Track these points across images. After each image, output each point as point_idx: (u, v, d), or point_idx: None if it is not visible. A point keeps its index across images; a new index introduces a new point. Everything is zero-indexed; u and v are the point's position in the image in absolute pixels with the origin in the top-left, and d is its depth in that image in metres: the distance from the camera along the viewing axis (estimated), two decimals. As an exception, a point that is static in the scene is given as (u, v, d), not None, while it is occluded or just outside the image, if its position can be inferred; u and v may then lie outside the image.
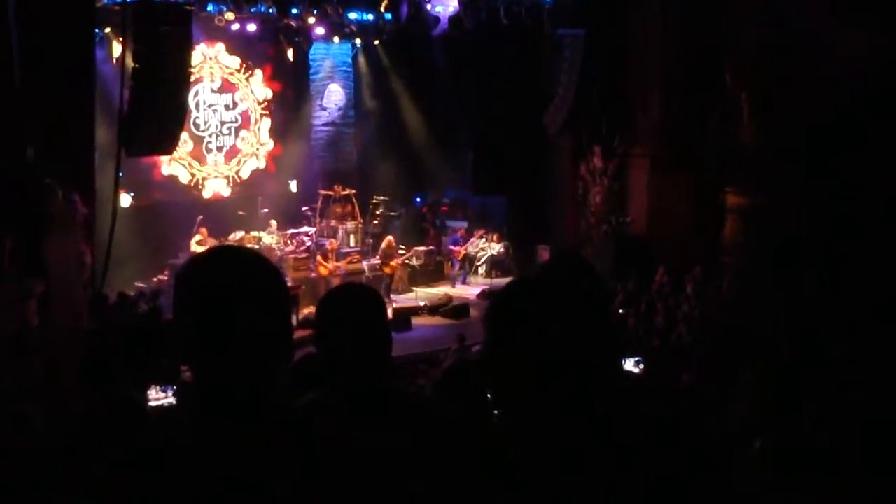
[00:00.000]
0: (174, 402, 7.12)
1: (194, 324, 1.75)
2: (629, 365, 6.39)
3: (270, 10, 18.89)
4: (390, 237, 19.75)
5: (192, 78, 16.54)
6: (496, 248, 20.69)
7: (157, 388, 7.23)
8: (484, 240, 20.80)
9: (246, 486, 1.72)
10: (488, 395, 3.17)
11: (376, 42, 22.14)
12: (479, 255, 20.73)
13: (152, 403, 6.65)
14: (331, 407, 2.47)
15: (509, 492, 1.88)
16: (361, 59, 22.81)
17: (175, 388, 7.42)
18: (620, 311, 14.35)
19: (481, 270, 20.67)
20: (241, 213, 19.72)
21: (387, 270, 18.97)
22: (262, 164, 21.68)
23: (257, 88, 21.43)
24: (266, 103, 21.67)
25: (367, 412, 2.39)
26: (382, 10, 19.80)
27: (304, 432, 1.87)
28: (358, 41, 22.25)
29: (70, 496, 2.40)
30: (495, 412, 2.82)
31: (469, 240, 20.80)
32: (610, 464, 1.88)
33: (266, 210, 19.99)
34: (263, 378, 1.80)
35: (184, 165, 20.05)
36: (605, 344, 2.02)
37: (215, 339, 1.73)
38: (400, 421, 2.44)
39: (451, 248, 20.73)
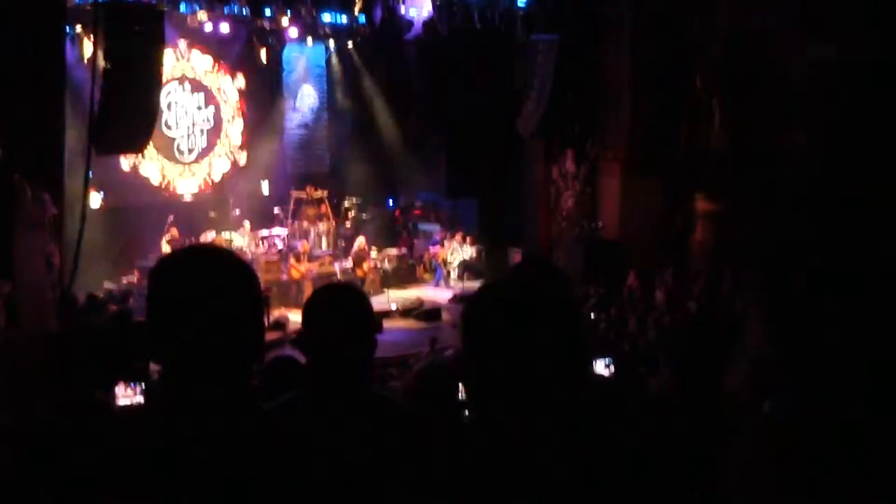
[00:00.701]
0: (142, 401, 7.07)
1: (166, 321, 1.75)
2: (599, 366, 6.42)
3: (244, 11, 18.80)
4: (362, 239, 19.74)
5: (164, 78, 16.44)
6: (468, 251, 20.71)
7: (126, 386, 7.17)
8: (457, 243, 20.81)
9: (216, 486, 1.71)
10: (459, 398, 3.18)
11: (350, 44, 22.12)
12: (451, 258, 20.74)
13: (120, 402, 6.59)
14: (308, 407, 2.47)
15: (480, 493, 1.89)
16: (335, 62, 22.78)
17: (143, 386, 7.37)
18: (591, 315, 14.40)
19: (453, 274, 20.68)
20: (212, 213, 19.65)
21: (359, 273, 18.96)
22: (233, 166, 21.58)
23: (230, 89, 21.34)
24: (238, 104, 21.58)
25: (344, 413, 2.40)
26: (356, 12, 19.75)
27: (276, 432, 1.87)
28: (332, 43, 22.22)
29: (35, 497, 2.38)
30: (466, 414, 2.83)
31: (448, 242, 20.74)
32: (580, 466, 1.89)
33: (238, 211, 19.93)
34: (235, 377, 1.79)
35: (155, 166, 19.92)
36: (575, 347, 2.03)
37: (187, 337, 1.73)
38: (373, 422, 2.44)
39: (431, 249, 20.69)
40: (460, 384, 3.16)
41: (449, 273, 20.58)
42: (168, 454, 1.73)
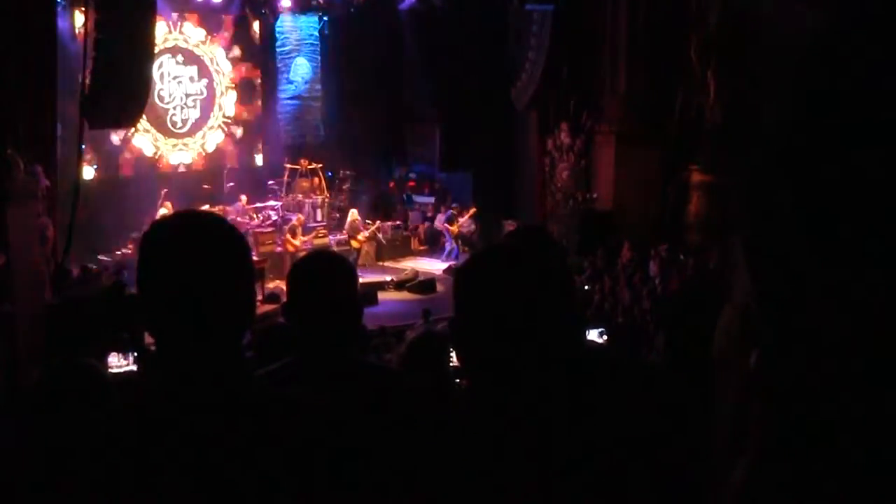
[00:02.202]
0: (135, 369, 7.08)
1: (157, 288, 1.74)
2: (593, 335, 6.44)
3: (236, -18, 18.70)
4: (355, 212, 19.71)
5: (157, 49, 16.33)
6: (466, 224, 20.66)
7: (118, 355, 7.18)
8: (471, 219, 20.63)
9: (209, 453, 1.71)
10: (451, 365, 3.19)
11: (343, 15, 21.99)
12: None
13: (113, 371, 6.60)
14: (299, 375, 2.47)
15: (472, 459, 1.89)
16: (328, 33, 22.65)
17: (136, 355, 7.37)
18: (586, 287, 14.42)
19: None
20: (206, 186, 19.59)
21: (353, 245, 18.95)
22: (227, 138, 21.51)
23: (222, 61, 21.23)
24: (231, 76, 21.48)
25: (333, 380, 2.40)
26: (350, -18, 19.66)
27: (268, 399, 1.87)
28: (325, 14, 22.08)
29: (29, 465, 2.38)
30: (458, 381, 2.84)
31: (461, 217, 20.58)
32: (573, 432, 1.89)
33: (231, 183, 19.87)
34: (226, 344, 1.79)
35: (148, 138, 19.84)
36: (568, 312, 2.03)
37: (178, 304, 1.72)
38: (366, 389, 2.45)
39: (445, 226, 20.58)
40: (453, 352, 3.18)
41: (443, 245, 20.43)
42: (160, 420, 1.73)
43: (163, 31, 18.80)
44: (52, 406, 2.47)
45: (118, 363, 6.91)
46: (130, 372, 6.87)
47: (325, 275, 2.61)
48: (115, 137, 19.00)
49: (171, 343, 1.78)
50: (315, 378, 2.42)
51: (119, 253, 17.68)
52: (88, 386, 2.57)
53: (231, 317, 1.78)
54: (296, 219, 19.13)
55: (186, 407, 1.74)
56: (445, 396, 2.68)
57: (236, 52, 21.46)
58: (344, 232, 19.47)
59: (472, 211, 20.47)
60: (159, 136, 20.08)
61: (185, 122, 20.63)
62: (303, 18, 21.91)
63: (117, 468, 1.69)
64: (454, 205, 20.92)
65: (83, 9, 14.93)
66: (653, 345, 9.23)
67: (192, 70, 20.68)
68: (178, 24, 20.16)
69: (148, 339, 12.48)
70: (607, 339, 6.67)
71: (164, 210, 17.67)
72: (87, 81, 13.38)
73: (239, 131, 21.69)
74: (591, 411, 1.96)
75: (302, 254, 17.90)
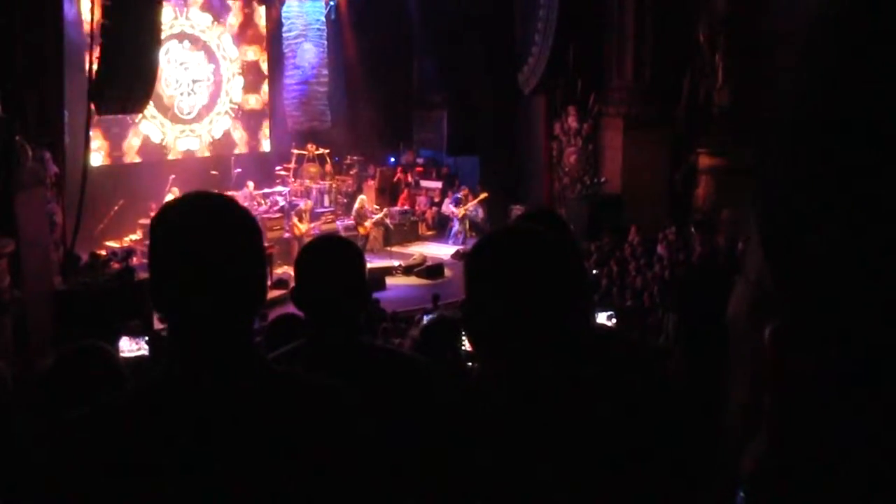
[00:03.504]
0: (147, 353, 7.10)
1: (168, 271, 1.74)
2: (601, 318, 6.44)
3: (242, -33, 18.65)
4: (363, 197, 19.70)
5: (163, 35, 16.32)
6: (478, 208, 20.64)
7: (130, 339, 7.19)
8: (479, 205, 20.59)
9: (222, 437, 1.72)
10: (464, 349, 3.20)
11: (351, 0, 21.93)
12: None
13: (125, 355, 6.62)
14: (307, 358, 2.48)
15: (486, 442, 1.90)
16: (335, 18, 22.59)
17: (147, 339, 7.39)
18: (594, 271, 14.41)
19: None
20: (213, 172, 19.60)
21: (361, 231, 18.95)
22: (234, 123, 21.52)
23: (229, 46, 21.21)
24: (238, 61, 21.46)
25: (343, 364, 2.41)
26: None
27: (280, 383, 1.87)
28: (331, -2, 22.04)
29: (42, 449, 2.39)
30: (471, 365, 2.84)
31: (469, 201, 20.54)
32: (585, 412, 1.90)
33: (239, 169, 19.88)
34: (238, 327, 1.79)
35: (155, 124, 19.86)
36: (577, 292, 2.03)
37: (190, 286, 1.72)
38: (377, 373, 2.45)
39: (452, 209, 20.57)
40: (465, 335, 3.18)
41: (465, 230, 20.34)
42: (172, 404, 1.74)
43: (169, 17, 18.77)
44: (66, 390, 2.49)
45: (130, 347, 6.92)
46: (142, 356, 6.89)
47: (333, 258, 2.61)
48: (124, 123, 19.01)
49: (183, 326, 1.78)
50: (324, 362, 2.42)
51: (127, 239, 17.73)
52: (101, 370, 2.58)
53: (242, 299, 1.78)
54: (303, 204, 19.13)
55: (198, 391, 1.75)
56: (458, 380, 2.69)
57: (243, 37, 21.43)
58: (351, 218, 19.47)
59: (483, 196, 20.43)
60: (166, 122, 20.09)
61: (192, 108, 20.64)
62: (309, 3, 21.84)
63: (130, 453, 1.70)
64: (462, 187, 20.86)
65: (90, -5, 14.94)
66: (661, 327, 9.23)
67: (199, 56, 20.67)
68: (185, 9, 20.13)
69: (158, 324, 12.54)
70: (616, 323, 6.68)
71: (172, 196, 17.70)
72: (95, 68, 13.38)
73: (246, 117, 21.69)
74: (601, 393, 1.96)
75: (309, 239, 17.96)
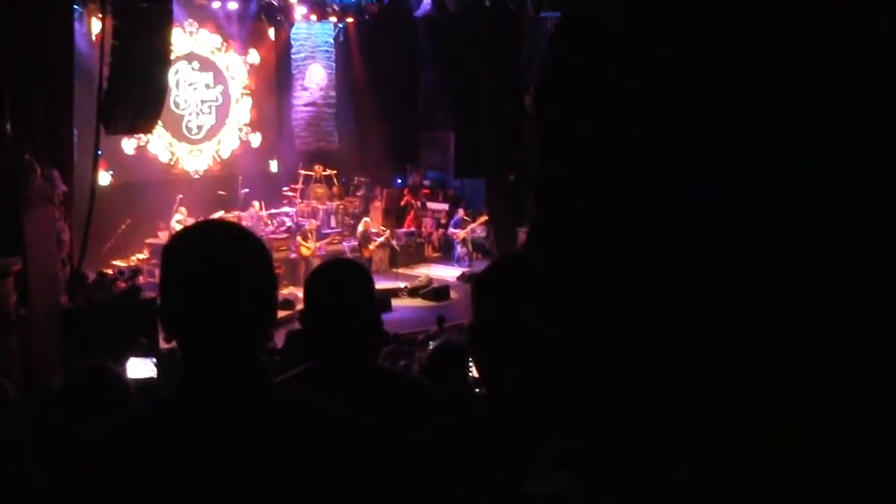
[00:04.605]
0: (154, 374, 7.10)
1: (180, 296, 1.76)
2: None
3: (252, -11, 18.78)
4: (367, 220, 19.70)
5: (173, 56, 16.41)
6: (478, 230, 20.66)
7: (138, 359, 7.19)
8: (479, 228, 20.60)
9: (229, 460, 1.72)
10: (472, 375, 3.20)
11: (358, 22, 22.04)
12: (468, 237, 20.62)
13: (133, 376, 6.62)
14: (316, 382, 2.49)
15: (492, 468, 1.90)
16: (343, 40, 22.70)
17: (155, 359, 7.38)
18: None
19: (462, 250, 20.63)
20: (221, 192, 19.65)
21: (365, 253, 18.95)
22: (242, 144, 21.59)
23: (238, 67, 21.31)
24: (246, 83, 21.56)
25: (352, 388, 2.41)
26: (365, -10, 19.71)
27: (287, 407, 1.88)
28: (340, 21, 22.14)
29: (48, 468, 2.39)
30: (478, 391, 2.84)
31: (469, 224, 20.56)
32: (592, 440, 1.90)
33: (246, 190, 19.93)
34: (248, 352, 1.80)
35: (164, 144, 19.94)
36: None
37: (201, 312, 1.74)
38: (385, 397, 2.46)
39: (452, 230, 20.60)
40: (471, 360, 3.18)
41: (469, 252, 20.33)
42: (180, 427, 1.75)
43: (179, 38, 18.88)
44: (75, 410, 2.49)
45: (138, 369, 6.92)
46: (150, 378, 6.88)
47: (343, 282, 2.62)
48: (132, 143, 19.10)
49: (193, 351, 1.79)
50: (333, 386, 2.43)
51: (134, 258, 17.76)
52: (110, 391, 2.59)
53: (252, 326, 1.80)
54: (308, 224, 19.16)
55: (207, 414, 1.75)
56: (466, 405, 2.69)
57: (251, 58, 21.54)
58: (356, 240, 19.49)
59: (483, 218, 20.46)
60: (174, 141, 20.17)
61: (200, 128, 20.72)
62: (318, 26, 21.97)
63: (137, 473, 1.71)
64: (461, 210, 20.89)
65: (100, 15, 15.03)
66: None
67: (208, 76, 20.77)
68: (195, 30, 20.25)
69: (163, 343, 12.53)
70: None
71: (179, 216, 17.75)
72: (104, 87, 13.45)
73: (253, 137, 21.76)
74: (609, 417, 1.96)
75: (315, 259, 17.98)
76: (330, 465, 1.81)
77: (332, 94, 22.78)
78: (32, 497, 2.49)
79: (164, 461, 1.71)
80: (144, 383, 6.51)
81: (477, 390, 3.04)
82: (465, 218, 20.46)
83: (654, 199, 0.89)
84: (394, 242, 20.15)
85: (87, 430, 1.80)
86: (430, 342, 11.71)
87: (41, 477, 2.40)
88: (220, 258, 1.76)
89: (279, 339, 9.42)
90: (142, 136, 18.43)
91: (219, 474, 1.70)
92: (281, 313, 14.74)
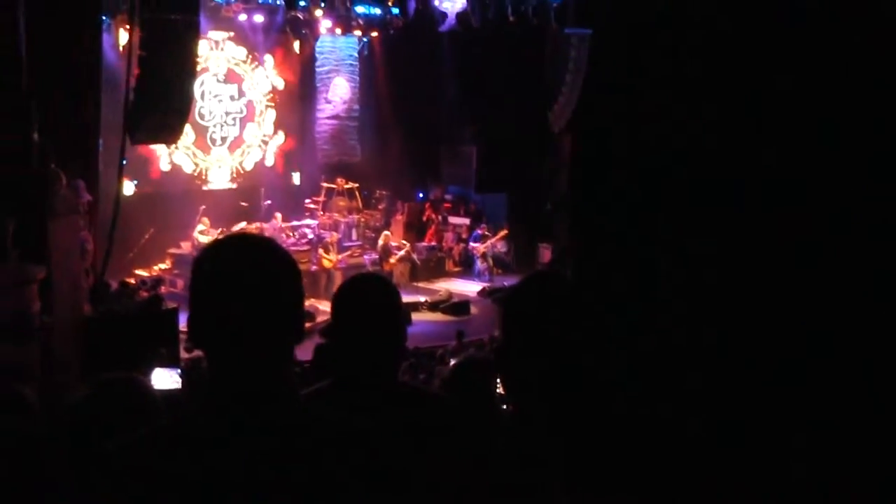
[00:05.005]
0: (179, 385, 7.12)
1: (211, 308, 1.77)
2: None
3: (278, 2, 18.89)
4: (387, 233, 19.70)
5: (199, 68, 16.52)
6: (498, 245, 20.64)
7: (163, 371, 7.21)
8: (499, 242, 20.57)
9: (255, 473, 1.72)
10: (496, 392, 3.19)
11: (382, 36, 22.12)
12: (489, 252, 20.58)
13: (158, 387, 6.64)
14: (341, 396, 2.48)
15: (518, 483, 1.90)
16: (367, 53, 22.79)
17: (180, 371, 7.40)
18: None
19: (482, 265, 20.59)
20: (243, 203, 19.74)
21: (385, 267, 18.95)
22: (265, 156, 21.70)
23: (262, 80, 21.44)
24: (271, 95, 21.68)
25: (376, 403, 2.41)
26: (390, 4, 19.78)
27: (312, 419, 1.88)
28: (364, 35, 22.23)
29: (75, 479, 2.40)
30: (503, 407, 2.83)
31: (490, 238, 20.52)
32: (617, 458, 1.89)
33: (269, 202, 20.00)
34: (276, 364, 1.81)
35: (188, 155, 20.07)
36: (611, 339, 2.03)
37: (232, 324, 1.74)
38: (409, 413, 2.45)
39: (472, 245, 20.59)
40: (497, 378, 3.18)
41: (490, 267, 20.29)
42: (208, 439, 1.75)
43: (204, 50, 19.01)
44: (101, 421, 2.49)
45: (163, 380, 6.94)
46: (175, 389, 6.90)
47: (371, 298, 2.62)
48: (157, 153, 19.24)
49: (222, 361, 1.80)
50: (358, 400, 2.43)
51: (157, 268, 17.86)
52: (137, 403, 2.59)
53: (281, 339, 1.80)
54: (330, 236, 19.20)
55: (235, 426, 1.76)
56: (490, 421, 2.68)
57: (276, 71, 21.66)
58: (377, 253, 19.51)
59: (503, 232, 20.44)
60: (199, 153, 20.29)
61: (224, 139, 20.84)
62: (342, 39, 22.06)
63: (169, 486, 1.71)
64: (482, 225, 20.87)
65: (127, 26, 15.16)
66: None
67: (233, 88, 20.90)
68: (220, 42, 20.38)
69: (184, 353, 12.58)
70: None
71: (202, 226, 17.83)
72: (130, 98, 13.55)
73: (276, 149, 21.87)
74: (632, 436, 1.96)
75: (336, 272, 18.02)
76: (355, 479, 1.80)
77: (356, 107, 22.86)
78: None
79: (193, 473, 1.71)
80: (169, 394, 6.53)
81: (504, 407, 3.03)
82: (486, 233, 20.44)
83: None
84: (414, 256, 20.14)
85: (119, 442, 1.81)
86: (450, 357, 11.72)
87: (67, 488, 2.40)
88: (250, 270, 1.77)
89: (300, 351, 9.41)
90: (167, 146, 18.55)
91: (247, 486, 1.70)
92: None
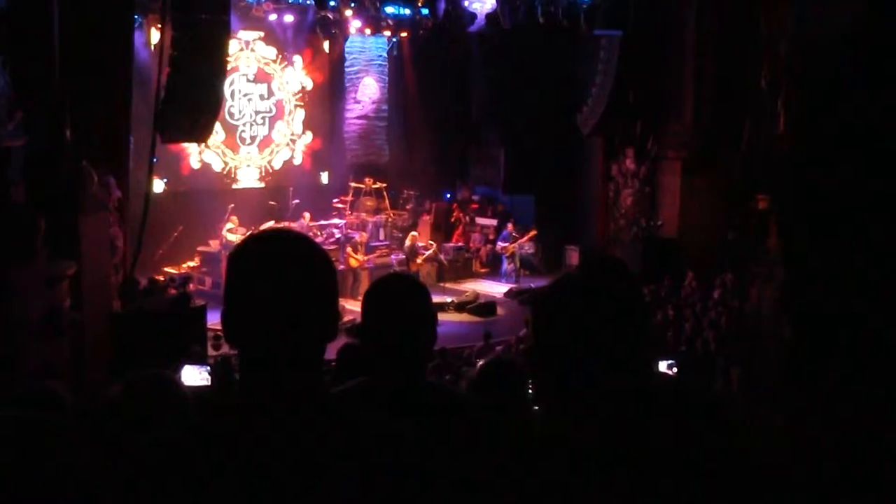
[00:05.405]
0: (208, 382, 7.16)
1: (245, 304, 1.77)
2: (662, 367, 6.39)
3: (308, 2, 18.96)
4: (414, 234, 19.69)
5: (229, 67, 16.60)
6: (526, 246, 20.60)
7: (192, 368, 7.26)
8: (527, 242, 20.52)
9: (289, 470, 1.73)
10: (527, 391, 3.18)
11: (412, 37, 22.14)
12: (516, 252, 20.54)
13: (187, 383, 6.68)
14: (371, 396, 2.49)
15: (546, 485, 1.89)
16: (397, 54, 22.82)
17: (210, 368, 7.44)
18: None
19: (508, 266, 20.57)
20: (272, 202, 19.83)
21: (412, 267, 18.97)
22: (294, 155, 21.79)
23: (292, 79, 21.53)
24: (300, 94, 21.76)
25: (406, 404, 2.41)
26: (419, 5, 19.79)
27: (344, 418, 1.88)
28: (394, 35, 22.26)
29: (106, 475, 2.42)
30: (535, 408, 2.83)
31: (519, 238, 20.50)
32: (648, 462, 1.89)
33: (297, 201, 20.07)
34: (309, 362, 1.81)
35: (217, 154, 20.19)
36: (645, 345, 2.03)
37: (265, 320, 1.75)
38: (438, 414, 2.45)
39: (501, 244, 20.57)
40: (529, 380, 3.17)
41: (517, 268, 20.27)
42: (242, 437, 1.76)
43: (235, 49, 19.12)
44: (135, 419, 2.52)
45: (192, 377, 6.98)
46: (204, 386, 6.94)
47: (402, 298, 2.62)
48: (187, 152, 19.37)
49: (254, 358, 1.80)
50: (389, 401, 2.43)
51: (185, 265, 17.98)
52: (169, 400, 2.61)
53: (314, 336, 1.81)
54: (359, 236, 19.25)
55: (266, 424, 1.76)
56: (520, 422, 2.68)
57: (306, 71, 21.75)
58: (403, 253, 19.52)
59: (532, 233, 20.40)
60: (228, 151, 20.41)
61: (253, 138, 20.95)
62: (372, 39, 22.11)
63: (199, 484, 1.72)
64: (510, 225, 20.82)
65: (159, 25, 15.28)
66: (719, 374, 9.10)
67: (262, 88, 21.01)
68: (251, 42, 20.49)
69: (211, 350, 12.64)
70: (677, 372, 6.61)
71: (231, 224, 17.93)
72: (161, 96, 13.65)
73: (305, 149, 21.96)
74: (665, 441, 1.95)
75: (363, 272, 18.07)
76: (385, 480, 1.80)
77: (384, 107, 22.90)
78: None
79: (225, 471, 1.72)
80: (198, 391, 6.56)
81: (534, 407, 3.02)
82: (514, 234, 20.41)
83: None
84: (441, 257, 20.14)
85: (152, 439, 1.81)
86: (477, 358, 11.72)
87: (98, 484, 2.42)
88: (287, 267, 1.77)
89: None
90: (196, 145, 18.68)
91: (279, 485, 1.71)
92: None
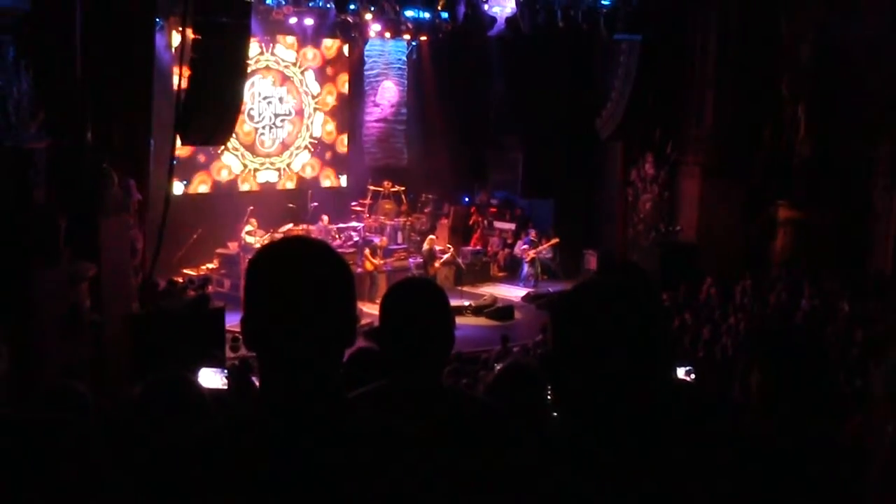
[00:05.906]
0: (226, 384, 7.18)
1: (265, 309, 1.79)
2: (680, 373, 6.36)
3: (328, 6, 19.00)
4: (432, 237, 19.68)
5: (249, 70, 16.65)
6: (545, 251, 20.57)
7: (208, 370, 7.27)
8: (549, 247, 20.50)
9: (305, 473, 1.74)
10: (545, 396, 3.18)
11: (431, 40, 22.14)
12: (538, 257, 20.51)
13: (205, 385, 6.71)
14: (389, 400, 2.49)
15: (563, 490, 1.89)
16: (416, 57, 22.83)
17: (227, 371, 7.47)
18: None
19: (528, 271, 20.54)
20: (290, 205, 19.87)
21: (430, 271, 18.96)
22: (313, 158, 21.84)
23: (311, 83, 21.58)
24: (320, 97, 21.81)
25: (424, 408, 2.42)
26: (439, 8, 19.79)
27: (362, 422, 1.89)
28: (413, 39, 22.27)
29: (127, 475, 2.43)
30: (552, 413, 2.83)
31: (540, 243, 20.47)
32: (666, 468, 1.89)
33: (316, 203, 20.12)
34: (328, 367, 1.82)
35: (237, 156, 20.26)
36: (663, 350, 2.03)
37: (285, 325, 1.76)
38: (456, 418, 2.46)
39: (523, 247, 20.54)
40: (546, 385, 3.17)
41: (536, 272, 20.25)
42: (261, 440, 1.77)
43: (254, 52, 19.18)
44: (155, 420, 2.54)
45: (209, 380, 6.99)
46: (221, 389, 6.96)
47: (421, 302, 2.62)
48: (206, 154, 19.45)
49: (274, 362, 1.81)
50: (406, 404, 2.44)
51: (204, 267, 18.04)
52: (188, 402, 2.63)
53: (333, 341, 1.82)
54: (378, 240, 19.27)
55: (285, 427, 1.77)
56: (537, 427, 2.68)
57: (325, 74, 21.80)
58: (421, 257, 19.53)
59: (554, 241, 20.35)
60: (247, 154, 20.48)
61: (273, 141, 21.01)
62: (391, 43, 22.12)
63: (219, 486, 1.73)
64: (532, 231, 20.81)
65: (180, 28, 15.36)
66: (737, 380, 9.04)
67: (282, 91, 21.07)
68: (271, 45, 20.57)
69: (229, 352, 12.69)
70: (695, 378, 6.59)
71: (250, 227, 18.00)
72: (182, 99, 13.71)
73: (324, 152, 22.01)
74: (681, 447, 1.95)
75: (381, 275, 18.08)
76: (403, 483, 1.81)
77: (403, 110, 22.91)
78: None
79: (245, 473, 1.73)
80: (216, 394, 6.58)
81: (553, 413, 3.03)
82: (534, 240, 20.40)
83: None
84: (459, 260, 20.12)
85: (171, 441, 1.83)
86: (495, 362, 11.71)
87: (119, 484, 2.44)
88: (306, 274, 1.78)
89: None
90: (216, 147, 18.74)
91: (298, 487, 1.72)
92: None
